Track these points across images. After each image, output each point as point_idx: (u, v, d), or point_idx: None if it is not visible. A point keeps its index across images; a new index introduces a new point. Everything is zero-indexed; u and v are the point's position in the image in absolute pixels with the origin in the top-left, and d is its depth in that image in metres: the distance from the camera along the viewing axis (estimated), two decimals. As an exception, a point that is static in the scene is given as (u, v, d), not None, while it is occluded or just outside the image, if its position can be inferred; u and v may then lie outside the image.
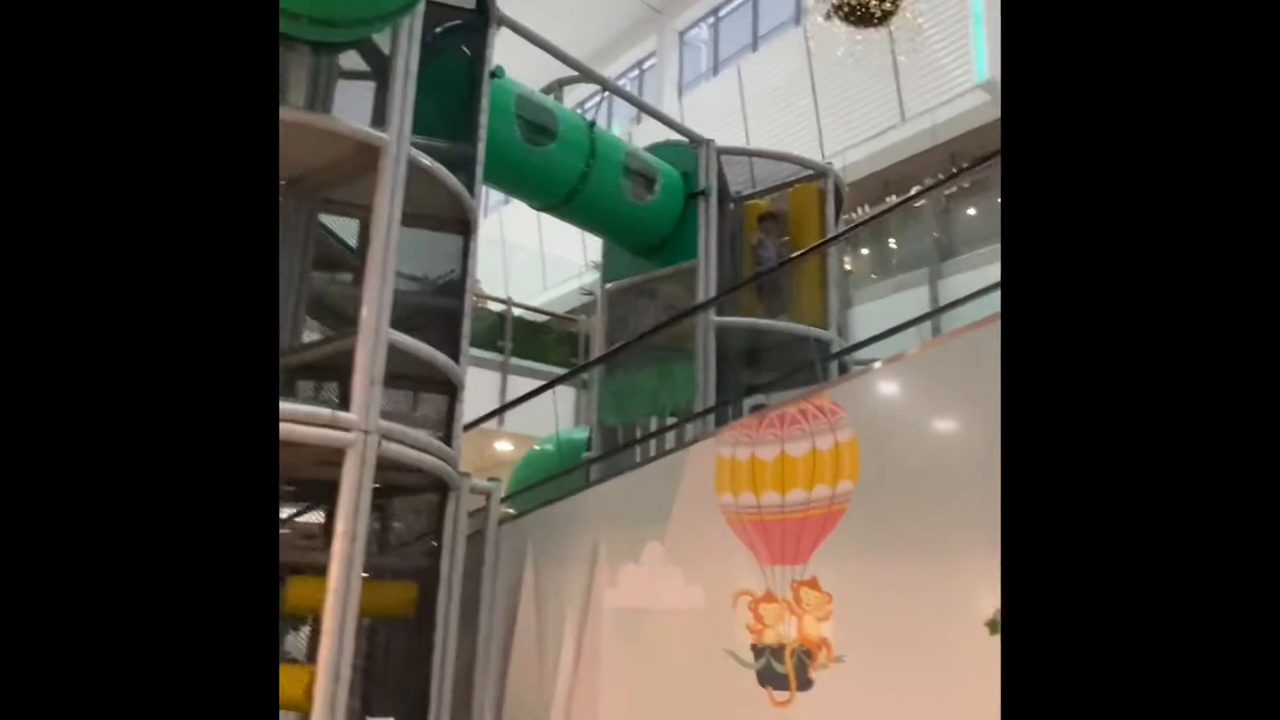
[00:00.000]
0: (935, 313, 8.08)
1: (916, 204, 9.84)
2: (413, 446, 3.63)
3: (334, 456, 3.35)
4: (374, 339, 3.45)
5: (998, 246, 9.08)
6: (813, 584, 3.42)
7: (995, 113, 11.20)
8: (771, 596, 3.53)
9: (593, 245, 9.97)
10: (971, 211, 10.03)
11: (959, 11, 11.45)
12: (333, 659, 3.20)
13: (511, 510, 5.51)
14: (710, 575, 3.76)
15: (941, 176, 10.37)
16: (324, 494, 4.05)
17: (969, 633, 2.97)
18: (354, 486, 3.32)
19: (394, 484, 4.00)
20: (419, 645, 3.90)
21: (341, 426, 3.32)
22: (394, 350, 3.55)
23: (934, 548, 3.14)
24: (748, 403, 5.98)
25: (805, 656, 3.38)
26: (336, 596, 3.24)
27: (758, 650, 3.52)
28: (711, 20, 17.20)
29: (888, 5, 9.55)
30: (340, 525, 3.30)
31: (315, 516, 4.34)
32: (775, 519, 3.57)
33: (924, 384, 3.44)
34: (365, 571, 3.41)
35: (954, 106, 11.54)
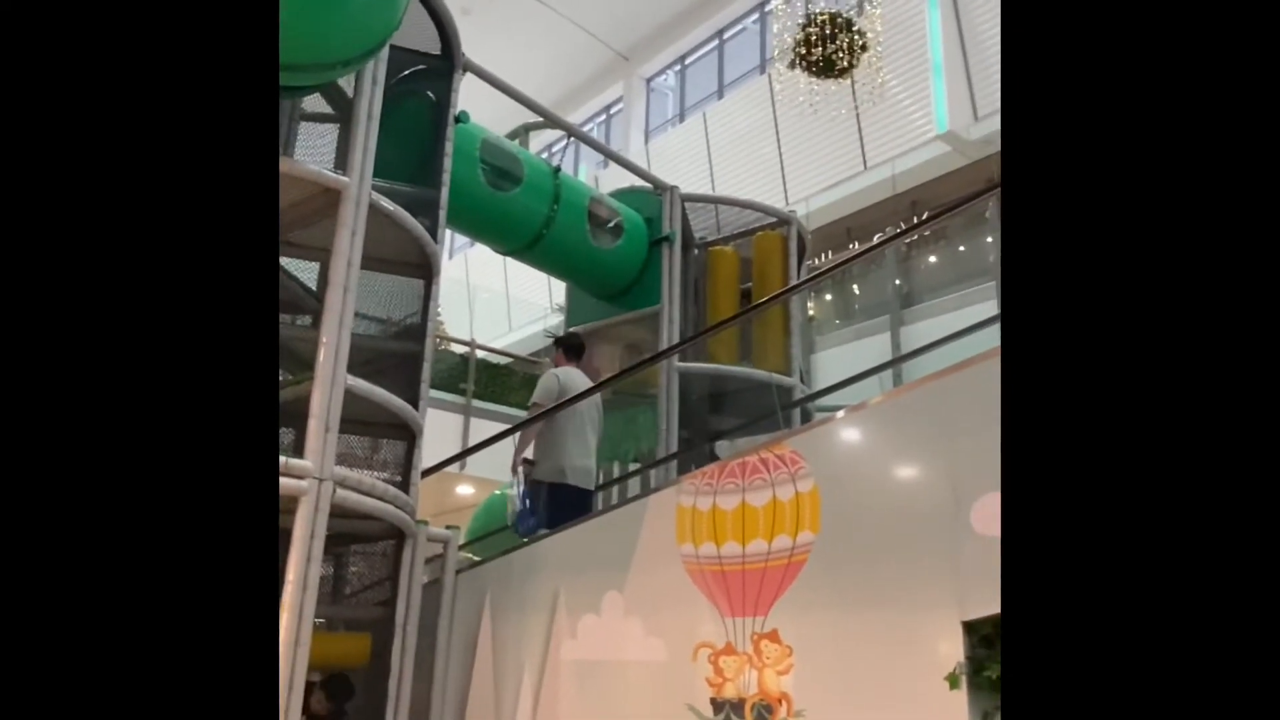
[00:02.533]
0: (897, 360, 8.15)
1: (884, 251, 9.95)
2: (368, 494, 3.56)
3: (287, 504, 3.28)
4: (330, 385, 3.40)
5: (959, 294, 9.22)
6: (773, 636, 3.38)
7: (955, 163, 11.43)
8: (732, 649, 3.48)
9: (558, 287, 9.98)
10: (933, 259, 10.17)
11: (920, 64, 11.71)
12: (282, 710, 3.11)
13: (473, 556, 5.43)
14: (671, 627, 3.70)
15: (902, 225, 10.55)
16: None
17: (929, 687, 2.94)
18: (306, 535, 3.25)
19: (348, 532, 3.92)
20: (372, 697, 3.80)
21: (295, 474, 3.25)
22: (351, 395, 3.50)
23: (895, 600, 3.12)
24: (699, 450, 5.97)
25: (765, 711, 3.33)
26: (286, 648, 3.15)
27: (718, 704, 3.46)
28: (678, 68, 17.45)
29: (850, 58, 9.74)
30: (291, 574, 3.22)
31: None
32: (736, 570, 3.53)
33: (886, 434, 3.44)
34: (318, 619, 3.33)
35: (915, 156, 11.76)
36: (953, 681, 2.89)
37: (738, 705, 3.40)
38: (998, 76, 11.07)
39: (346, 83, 3.83)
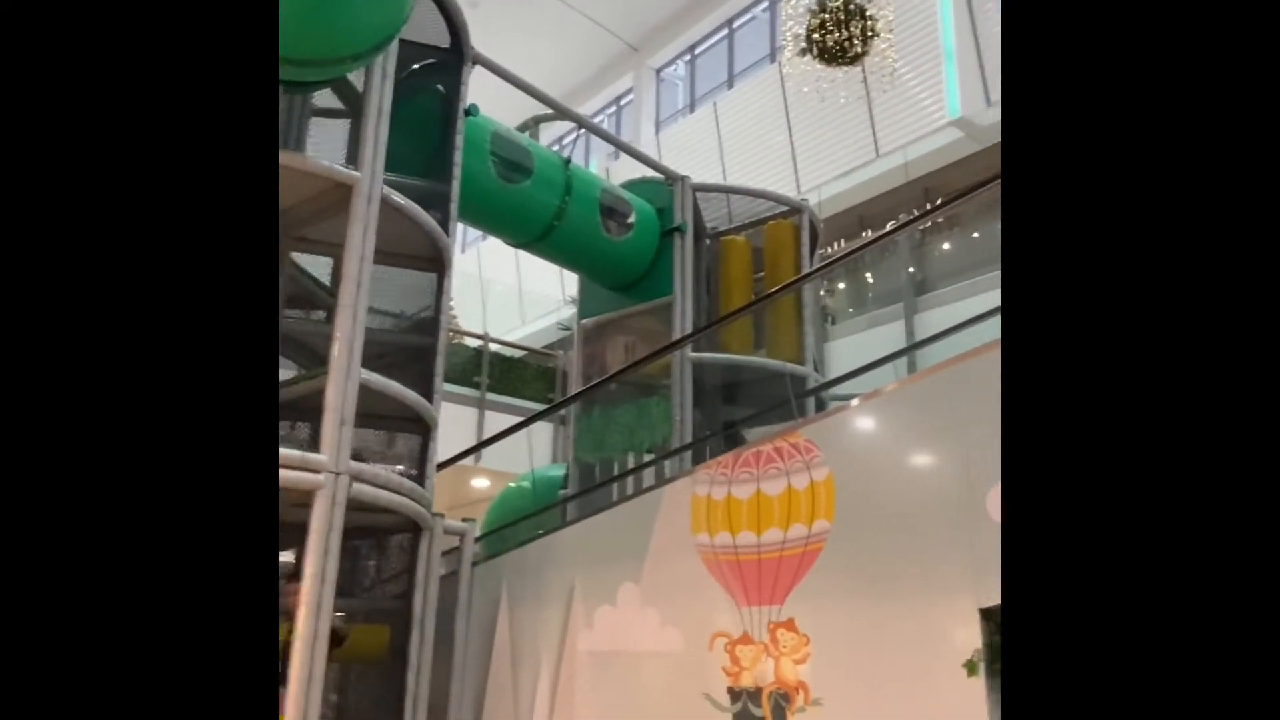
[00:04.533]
0: (911, 348, 8.11)
1: (894, 239, 9.92)
2: (384, 487, 3.58)
3: (304, 498, 3.30)
4: (345, 378, 3.41)
5: (972, 281, 9.18)
6: (789, 625, 3.38)
7: (968, 149, 11.35)
8: (748, 638, 3.48)
9: (570, 280, 9.99)
10: (946, 246, 10.13)
11: (931, 50, 11.63)
12: (300, 706, 3.13)
13: (487, 550, 5.45)
14: (687, 617, 3.71)
15: (915, 212, 10.49)
16: (293, 536, 3.99)
17: (947, 675, 2.94)
18: (323, 529, 3.26)
19: (365, 525, 3.94)
20: (391, 689, 3.83)
21: (311, 468, 3.27)
22: (366, 389, 3.51)
23: (911, 587, 3.12)
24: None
25: (783, 700, 3.33)
26: (305, 642, 3.17)
27: (734, 693, 3.47)
28: (688, 58, 17.39)
29: (862, 45, 9.68)
30: (309, 568, 3.24)
31: (287, 557, 4.27)
32: (751, 559, 3.54)
33: (900, 421, 3.44)
34: (337, 612, 3.35)
35: (927, 143, 11.69)
36: (970, 669, 2.89)
37: (755, 694, 3.41)
38: (1010, 61, 10.99)
39: (357, 77, 3.83)
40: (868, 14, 9.90)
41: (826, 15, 9.85)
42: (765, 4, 15.61)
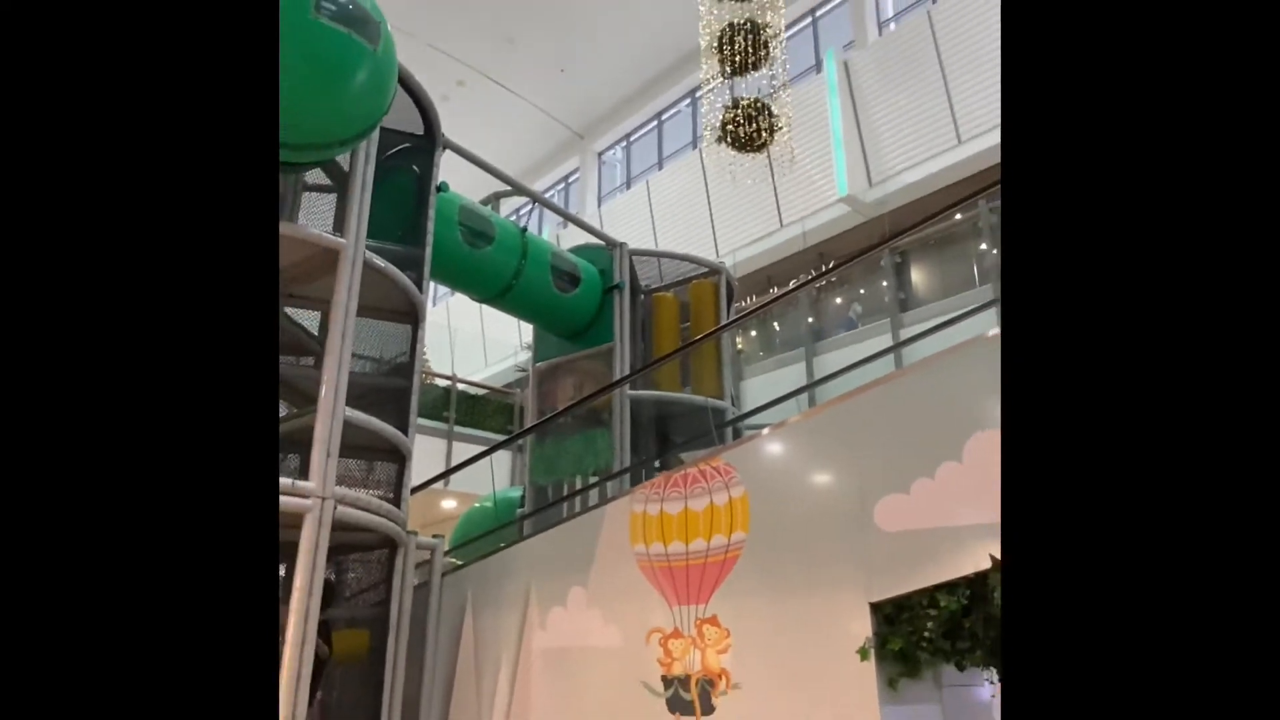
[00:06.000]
0: (811, 385, 8.24)
1: (798, 294, 10.10)
2: (364, 509, 3.51)
3: (294, 520, 3.21)
4: (331, 416, 3.35)
5: (861, 329, 9.36)
6: (713, 621, 3.38)
7: (854, 220, 11.69)
8: (679, 633, 3.47)
9: (526, 329, 9.95)
10: (838, 300, 10.34)
11: (823, 139, 11.97)
12: (290, 701, 3.03)
13: (456, 561, 5.35)
14: (626, 616, 3.68)
15: (813, 272, 10.73)
16: (284, 554, 3.87)
17: (843, 659, 2.96)
18: (311, 547, 3.18)
19: (348, 543, 3.85)
20: (370, 686, 3.72)
21: (300, 494, 3.19)
22: (350, 425, 3.45)
23: (813, 586, 3.15)
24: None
25: (708, 685, 3.32)
26: (293, 646, 3.07)
27: (667, 681, 3.45)
28: (624, 143, 17.62)
29: (764, 136, 9.97)
30: (298, 581, 3.15)
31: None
32: (680, 565, 3.54)
33: (803, 447, 3.49)
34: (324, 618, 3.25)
35: (821, 216, 11.99)
36: (863, 654, 2.92)
37: (684, 681, 3.39)
38: (887, 148, 11.38)
39: (344, 159, 3.81)
40: (771, 110, 10.21)
41: (738, 111, 10.14)
42: (688, 101, 15.93)
